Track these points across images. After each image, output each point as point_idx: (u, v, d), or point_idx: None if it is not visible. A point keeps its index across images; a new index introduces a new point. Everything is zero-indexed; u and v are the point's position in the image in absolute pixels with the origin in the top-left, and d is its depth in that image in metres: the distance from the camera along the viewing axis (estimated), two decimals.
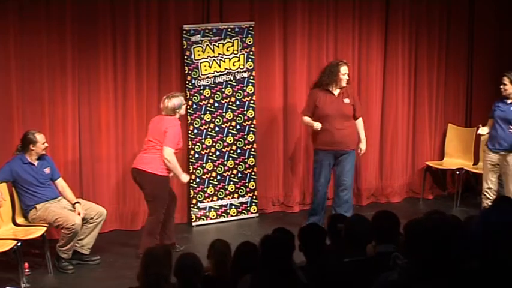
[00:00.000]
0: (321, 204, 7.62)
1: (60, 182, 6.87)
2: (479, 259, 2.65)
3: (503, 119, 7.35)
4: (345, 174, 7.47)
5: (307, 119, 7.46)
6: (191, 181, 7.96)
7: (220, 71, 7.91)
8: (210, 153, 7.97)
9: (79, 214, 6.59)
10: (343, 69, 7.30)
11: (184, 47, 7.76)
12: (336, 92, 7.35)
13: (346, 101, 7.37)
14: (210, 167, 7.99)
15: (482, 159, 8.29)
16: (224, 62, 7.92)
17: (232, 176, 8.13)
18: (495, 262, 2.61)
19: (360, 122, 7.56)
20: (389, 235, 4.26)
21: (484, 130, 7.47)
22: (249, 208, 8.23)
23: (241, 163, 8.15)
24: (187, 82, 7.82)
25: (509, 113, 7.33)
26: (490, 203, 7.46)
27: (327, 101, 7.32)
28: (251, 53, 8.01)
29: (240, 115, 8.07)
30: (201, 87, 7.84)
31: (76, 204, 6.69)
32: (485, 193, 7.55)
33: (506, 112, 7.35)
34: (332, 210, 7.45)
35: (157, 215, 6.84)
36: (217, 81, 7.92)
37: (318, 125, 7.28)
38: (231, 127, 8.05)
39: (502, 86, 7.35)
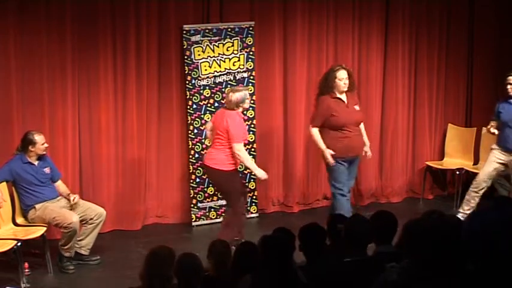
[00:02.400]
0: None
1: (58, 183, 6.89)
2: (479, 259, 2.65)
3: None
4: (352, 178, 7.36)
5: (317, 135, 6.99)
6: (191, 181, 7.96)
7: (220, 71, 7.91)
8: None
9: (74, 200, 6.68)
10: (340, 74, 6.95)
11: (184, 47, 7.77)
12: (345, 98, 7.02)
13: (357, 108, 7.13)
14: None
15: (482, 158, 8.29)
16: (224, 62, 7.92)
17: None
18: (495, 262, 2.61)
19: (363, 126, 7.34)
20: (389, 235, 4.27)
21: (495, 131, 7.40)
22: (249, 208, 8.23)
23: (241, 163, 8.13)
24: (187, 82, 7.82)
25: None
26: (477, 198, 7.46)
27: (340, 110, 6.96)
28: (251, 53, 8.01)
29: None
30: (201, 87, 7.84)
31: (69, 195, 6.76)
32: (476, 188, 7.47)
33: None
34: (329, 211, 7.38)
35: (234, 208, 6.97)
36: (217, 81, 7.92)
37: (332, 162, 6.92)
38: None
39: (509, 86, 7.23)
